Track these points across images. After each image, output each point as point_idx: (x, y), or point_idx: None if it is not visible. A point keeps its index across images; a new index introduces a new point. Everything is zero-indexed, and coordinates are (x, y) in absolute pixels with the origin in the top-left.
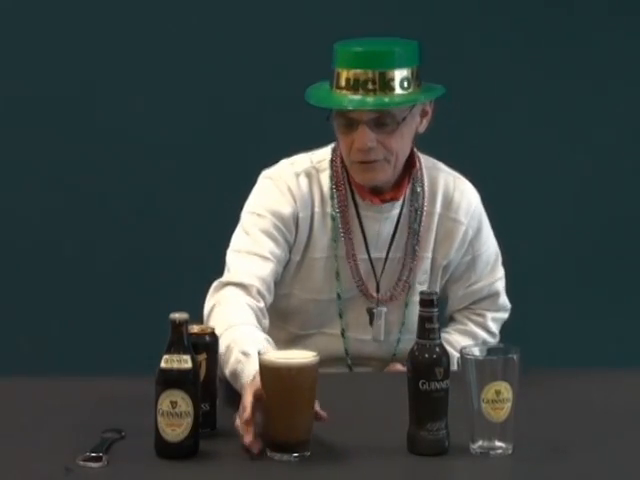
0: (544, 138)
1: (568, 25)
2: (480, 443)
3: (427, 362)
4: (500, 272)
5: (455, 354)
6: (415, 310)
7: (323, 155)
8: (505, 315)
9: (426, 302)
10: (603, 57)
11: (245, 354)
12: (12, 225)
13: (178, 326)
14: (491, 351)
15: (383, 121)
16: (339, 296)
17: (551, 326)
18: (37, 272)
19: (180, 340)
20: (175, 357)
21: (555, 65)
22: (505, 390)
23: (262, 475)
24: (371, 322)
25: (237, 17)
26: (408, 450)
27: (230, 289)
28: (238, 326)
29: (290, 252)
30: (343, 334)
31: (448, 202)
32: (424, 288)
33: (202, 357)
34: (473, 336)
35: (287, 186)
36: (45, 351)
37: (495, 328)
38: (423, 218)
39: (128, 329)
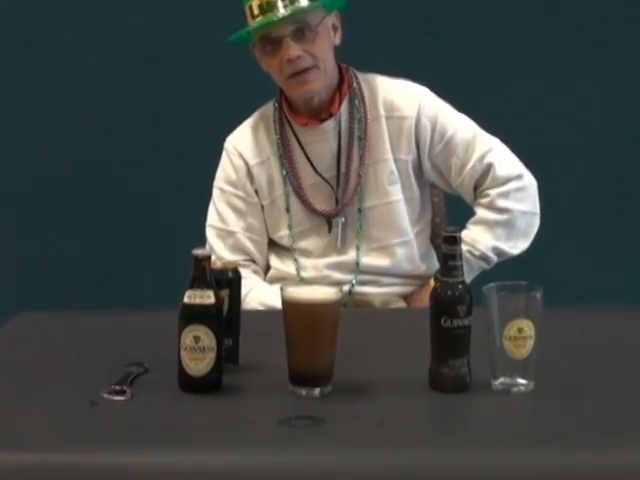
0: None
1: None
2: (501, 380)
3: (449, 299)
4: (486, 144)
5: (464, 248)
6: (372, 215)
7: (269, 104)
8: (518, 184)
9: (449, 239)
10: None
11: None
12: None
13: (200, 262)
14: (514, 289)
15: (302, 32)
16: (290, 227)
17: (574, 264)
18: (57, 207)
19: (203, 276)
20: (198, 292)
21: None
22: (527, 327)
23: (284, 409)
24: (329, 230)
25: None
26: (430, 386)
27: None
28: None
29: (260, 200)
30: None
31: (389, 104)
32: (396, 188)
33: (225, 293)
34: (482, 221)
35: (234, 147)
36: (70, 286)
37: (506, 203)
38: (369, 125)
39: (152, 264)
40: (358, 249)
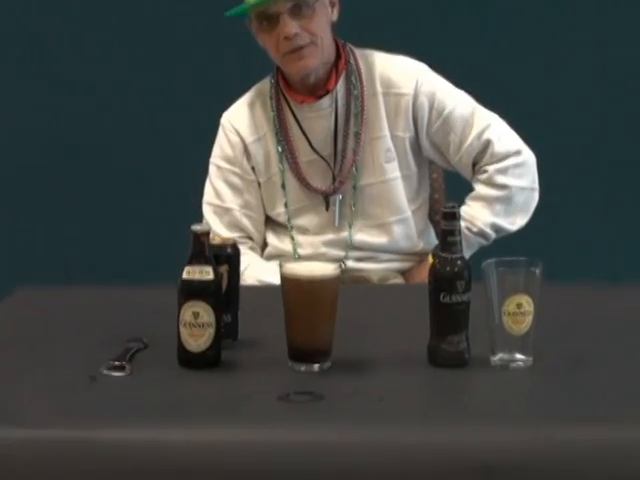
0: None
1: None
2: (500, 355)
3: (449, 275)
4: (484, 121)
5: (462, 224)
6: (369, 193)
7: (266, 80)
8: (516, 159)
9: (448, 215)
10: None
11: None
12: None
13: (199, 237)
14: (513, 264)
15: (299, 9)
16: (286, 205)
17: (574, 239)
18: (55, 181)
19: (202, 251)
20: (197, 268)
21: None
22: (526, 303)
23: (283, 385)
24: (327, 208)
25: None
26: (429, 362)
27: None
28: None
29: (257, 177)
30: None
31: (387, 80)
32: (393, 166)
33: (224, 269)
34: (480, 197)
35: (230, 123)
36: (68, 262)
37: (505, 179)
38: (366, 101)
39: (150, 239)
40: (350, 226)
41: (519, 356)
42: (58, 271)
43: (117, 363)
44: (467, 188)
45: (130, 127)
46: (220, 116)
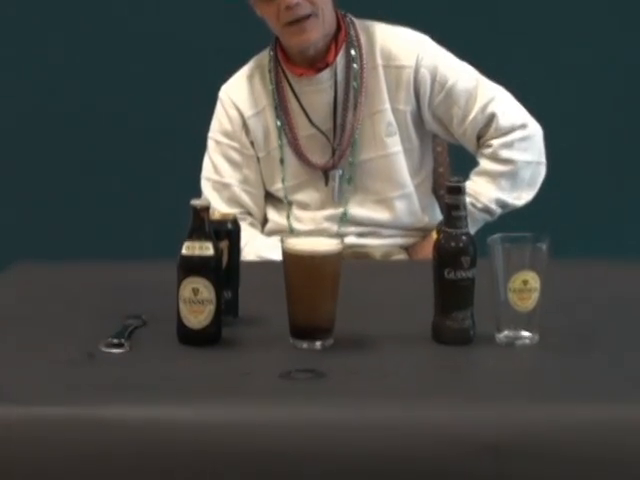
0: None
1: None
2: (506, 333)
3: (453, 251)
4: (489, 93)
5: (466, 199)
6: (369, 167)
7: (265, 52)
8: (522, 133)
9: (453, 189)
10: None
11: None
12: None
13: (199, 212)
14: (519, 240)
15: None
16: (283, 180)
17: (581, 215)
18: (50, 154)
19: (201, 227)
20: (197, 244)
21: None
22: (532, 280)
23: (284, 362)
24: (326, 183)
25: None
26: (433, 339)
27: None
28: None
29: (256, 152)
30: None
31: (387, 52)
32: (394, 140)
33: (224, 244)
34: (485, 173)
35: (229, 97)
36: (64, 236)
37: (510, 154)
38: (366, 74)
39: (149, 214)
40: (349, 202)
41: (525, 333)
42: (56, 246)
43: (116, 340)
44: (472, 162)
45: (127, 102)
46: (218, 89)
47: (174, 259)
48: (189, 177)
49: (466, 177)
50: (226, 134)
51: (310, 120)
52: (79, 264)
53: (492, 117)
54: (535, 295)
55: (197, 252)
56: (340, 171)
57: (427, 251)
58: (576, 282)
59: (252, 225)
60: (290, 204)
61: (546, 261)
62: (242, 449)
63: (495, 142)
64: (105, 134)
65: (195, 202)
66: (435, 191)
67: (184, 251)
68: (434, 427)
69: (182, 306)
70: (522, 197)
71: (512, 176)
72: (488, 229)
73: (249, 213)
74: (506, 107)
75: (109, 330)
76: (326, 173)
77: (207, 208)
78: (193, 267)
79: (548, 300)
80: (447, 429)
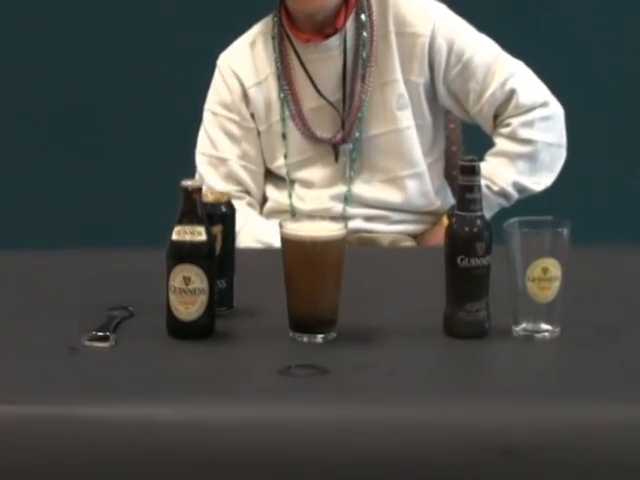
0: None
1: None
2: (524, 325)
3: (467, 236)
4: (509, 68)
5: (481, 182)
6: (379, 143)
7: (268, 18)
8: (543, 112)
9: (467, 169)
10: None
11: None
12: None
13: (190, 194)
14: (539, 224)
15: None
16: (286, 156)
17: (604, 198)
18: (35, 139)
19: (193, 210)
20: (188, 228)
21: None
22: (553, 267)
23: (283, 358)
24: (336, 159)
25: None
26: (444, 332)
27: None
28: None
29: (257, 125)
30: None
31: (401, 19)
32: (406, 113)
33: (218, 229)
34: (502, 153)
35: (228, 66)
36: (45, 222)
37: (530, 133)
38: (376, 42)
39: (136, 196)
40: (355, 180)
41: (544, 326)
42: (36, 233)
43: (100, 333)
44: (488, 140)
45: (115, 69)
46: (216, 58)
47: (163, 245)
48: (181, 154)
49: (481, 157)
50: (224, 105)
51: (318, 90)
52: (61, 252)
53: (512, 94)
54: (556, 284)
55: (188, 237)
56: (351, 145)
57: (438, 238)
58: (601, 270)
59: (250, 205)
60: (292, 183)
61: (568, 247)
62: (237, 451)
63: (514, 121)
64: (88, 103)
65: (186, 183)
66: (448, 172)
67: (174, 236)
68: (445, 429)
69: (172, 296)
70: (541, 182)
71: (531, 158)
72: (504, 213)
73: (247, 192)
74: (527, 84)
75: (93, 322)
76: (336, 148)
77: (199, 189)
78: (184, 254)
79: (570, 290)
80: (460, 431)
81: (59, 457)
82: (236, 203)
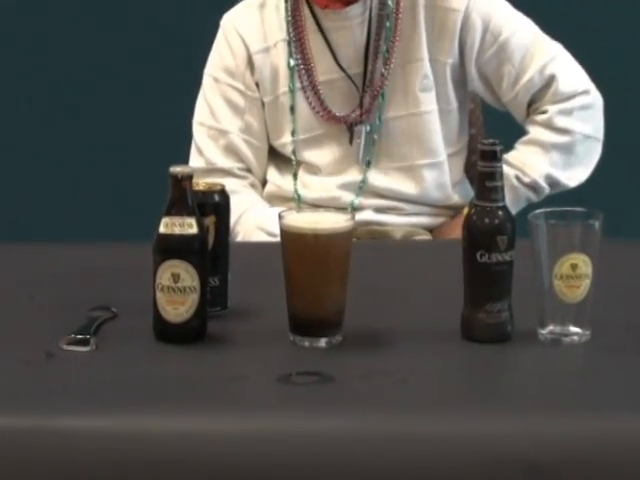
0: None
1: None
2: (551, 328)
3: (487, 229)
4: (549, 52)
5: (510, 172)
6: (396, 127)
7: None
8: (584, 100)
9: (487, 154)
10: None
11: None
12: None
13: (180, 182)
14: (567, 216)
15: None
16: (293, 133)
17: (638, 191)
18: (17, 129)
19: (183, 199)
20: (177, 220)
21: None
22: (583, 264)
23: (283, 364)
24: (351, 141)
25: None
26: (462, 336)
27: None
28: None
29: (261, 95)
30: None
31: None
32: (430, 96)
33: (210, 220)
34: (536, 142)
35: (233, 27)
36: (21, 215)
37: (568, 122)
38: (402, 14)
39: (119, 184)
40: (370, 167)
41: (573, 329)
42: (6, 225)
43: (80, 336)
44: (511, 122)
45: (99, 31)
46: (220, 18)
47: (150, 239)
48: (168, 138)
49: (503, 142)
50: (227, 71)
51: (337, 60)
52: (36, 246)
53: (551, 79)
54: (586, 283)
55: (177, 230)
56: (368, 127)
57: (458, 232)
58: (634, 268)
59: (253, 187)
60: (298, 164)
61: (599, 242)
62: (231, 468)
63: (552, 108)
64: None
65: (175, 169)
66: (467, 158)
67: (162, 229)
68: (463, 443)
69: (159, 295)
70: (575, 177)
71: (567, 150)
72: (528, 205)
73: (249, 170)
74: (568, 69)
75: (72, 324)
76: (351, 128)
77: (190, 177)
78: (172, 248)
79: (601, 289)
80: (479, 445)
81: (35, 473)
82: (237, 182)
